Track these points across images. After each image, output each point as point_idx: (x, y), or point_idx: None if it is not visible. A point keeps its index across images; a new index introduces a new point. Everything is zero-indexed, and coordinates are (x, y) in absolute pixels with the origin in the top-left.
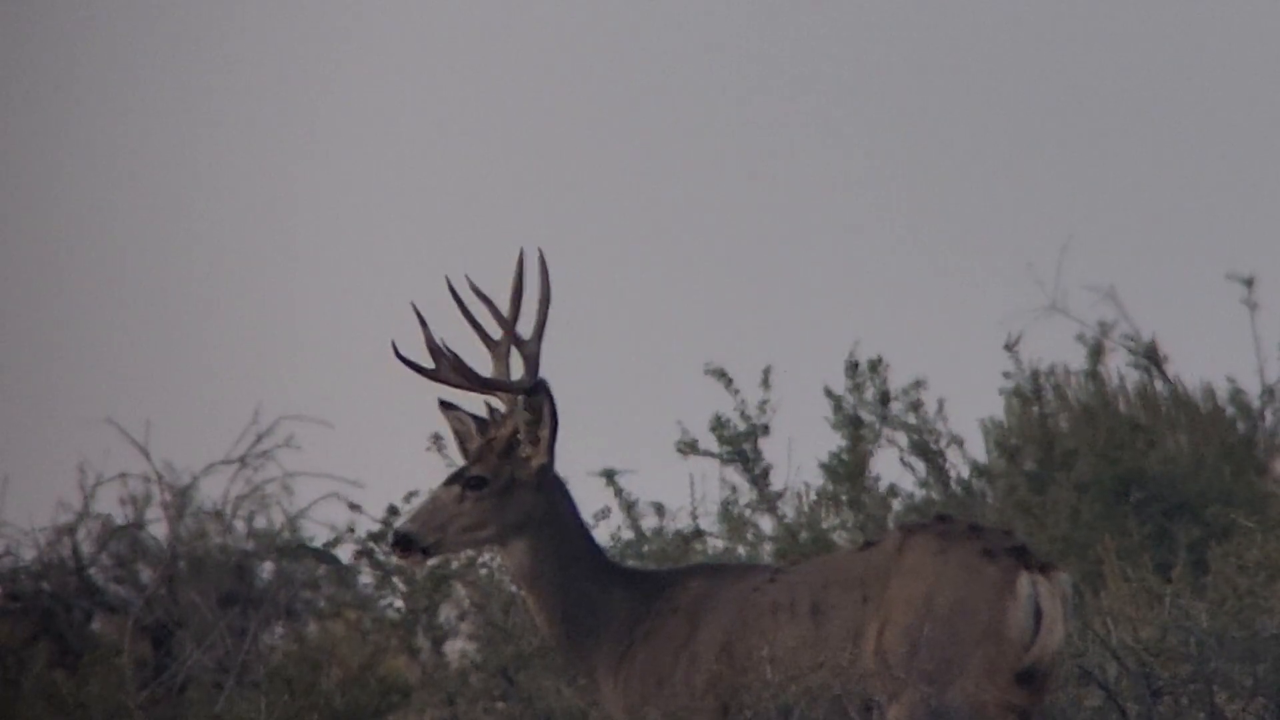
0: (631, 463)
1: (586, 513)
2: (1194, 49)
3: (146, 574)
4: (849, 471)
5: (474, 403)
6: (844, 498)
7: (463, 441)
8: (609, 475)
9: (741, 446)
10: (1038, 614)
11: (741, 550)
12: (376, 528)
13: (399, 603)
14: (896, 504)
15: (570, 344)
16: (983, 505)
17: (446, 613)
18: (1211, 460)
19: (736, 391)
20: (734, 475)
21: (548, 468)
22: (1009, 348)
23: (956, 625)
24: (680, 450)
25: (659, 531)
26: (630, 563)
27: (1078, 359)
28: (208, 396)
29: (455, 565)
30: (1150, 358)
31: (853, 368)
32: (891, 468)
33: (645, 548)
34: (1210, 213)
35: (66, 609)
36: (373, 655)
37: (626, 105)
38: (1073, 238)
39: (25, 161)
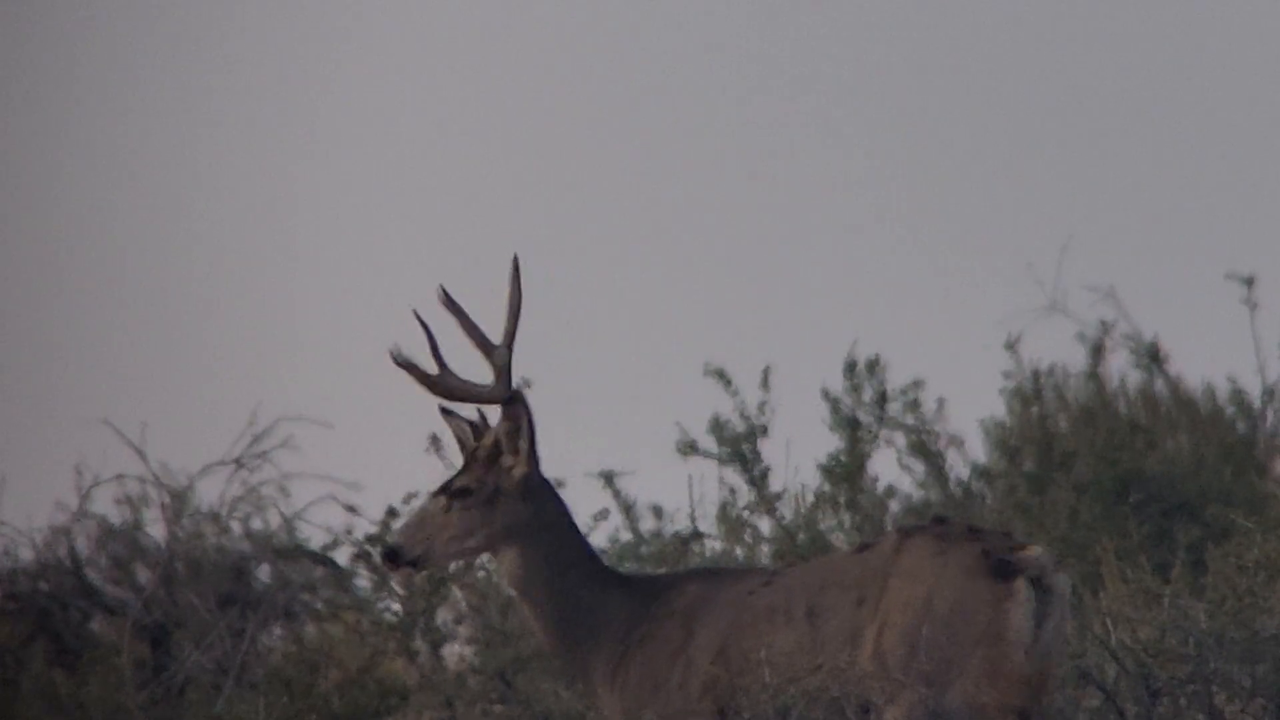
0: (631, 463)
1: (584, 514)
2: (1194, 49)
3: (144, 575)
4: (847, 473)
5: (473, 410)
6: (842, 499)
7: (463, 448)
8: (607, 477)
9: (740, 447)
10: (1038, 615)
11: (739, 552)
12: (374, 530)
13: (397, 605)
14: (894, 505)
15: (571, 344)
16: (982, 506)
17: (444, 616)
18: (1211, 460)
19: (736, 392)
20: (732, 476)
21: (531, 476)
22: (1009, 347)
23: (956, 627)
24: (680, 451)
25: (657, 534)
26: (628, 565)
27: (1078, 359)
28: (205, 397)
29: (453, 569)
30: (1150, 358)
31: (850, 368)
32: (890, 469)
33: (643, 549)
34: (1210, 213)
35: (64, 609)
36: (371, 657)
37: (626, 105)
38: (1073, 238)
39: (25, 161)
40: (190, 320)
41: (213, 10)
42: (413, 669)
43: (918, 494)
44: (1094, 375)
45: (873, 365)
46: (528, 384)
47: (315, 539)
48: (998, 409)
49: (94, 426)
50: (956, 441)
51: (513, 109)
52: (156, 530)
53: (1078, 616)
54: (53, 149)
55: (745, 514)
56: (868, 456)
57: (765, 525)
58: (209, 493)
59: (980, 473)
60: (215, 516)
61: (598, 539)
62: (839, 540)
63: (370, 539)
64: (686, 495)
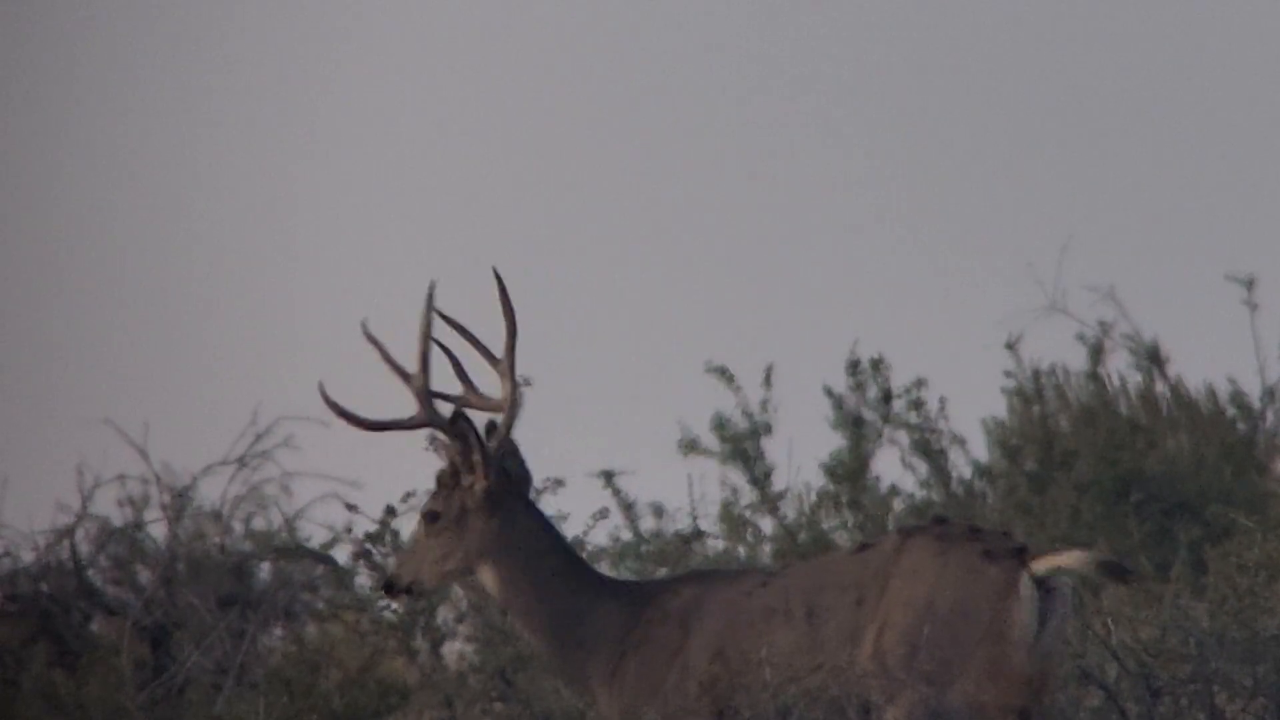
0: (631, 463)
1: (584, 513)
2: (1194, 49)
3: (145, 575)
4: (849, 472)
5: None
6: (844, 499)
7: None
8: (608, 476)
9: (743, 446)
10: (1040, 614)
11: (741, 551)
12: (374, 528)
13: (397, 604)
14: (897, 504)
15: (571, 343)
16: (983, 505)
17: (444, 614)
18: (1212, 460)
19: (738, 389)
20: (734, 475)
21: (493, 491)
22: (1009, 347)
23: (958, 626)
24: (682, 449)
25: (658, 533)
26: (629, 564)
27: (1078, 359)
28: (206, 397)
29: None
30: (1151, 358)
31: (854, 367)
32: (892, 468)
33: (644, 548)
34: (1210, 213)
35: (65, 610)
36: (371, 657)
37: (627, 105)
38: (1073, 238)
39: (25, 161)
40: (191, 320)
41: (213, 10)
42: (413, 668)
43: (920, 493)
44: (1094, 375)
45: (876, 364)
46: (528, 383)
47: (316, 538)
48: (999, 409)
49: (95, 426)
50: (958, 441)
51: (513, 109)
52: (158, 530)
53: (1079, 616)
54: (53, 149)
55: (747, 513)
56: (871, 456)
57: (767, 524)
58: (210, 492)
59: (982, 472)
60: (217, 516)
61: (598, 538)
62: (842, 539)
63: (371, 537)
64: (687, 494)
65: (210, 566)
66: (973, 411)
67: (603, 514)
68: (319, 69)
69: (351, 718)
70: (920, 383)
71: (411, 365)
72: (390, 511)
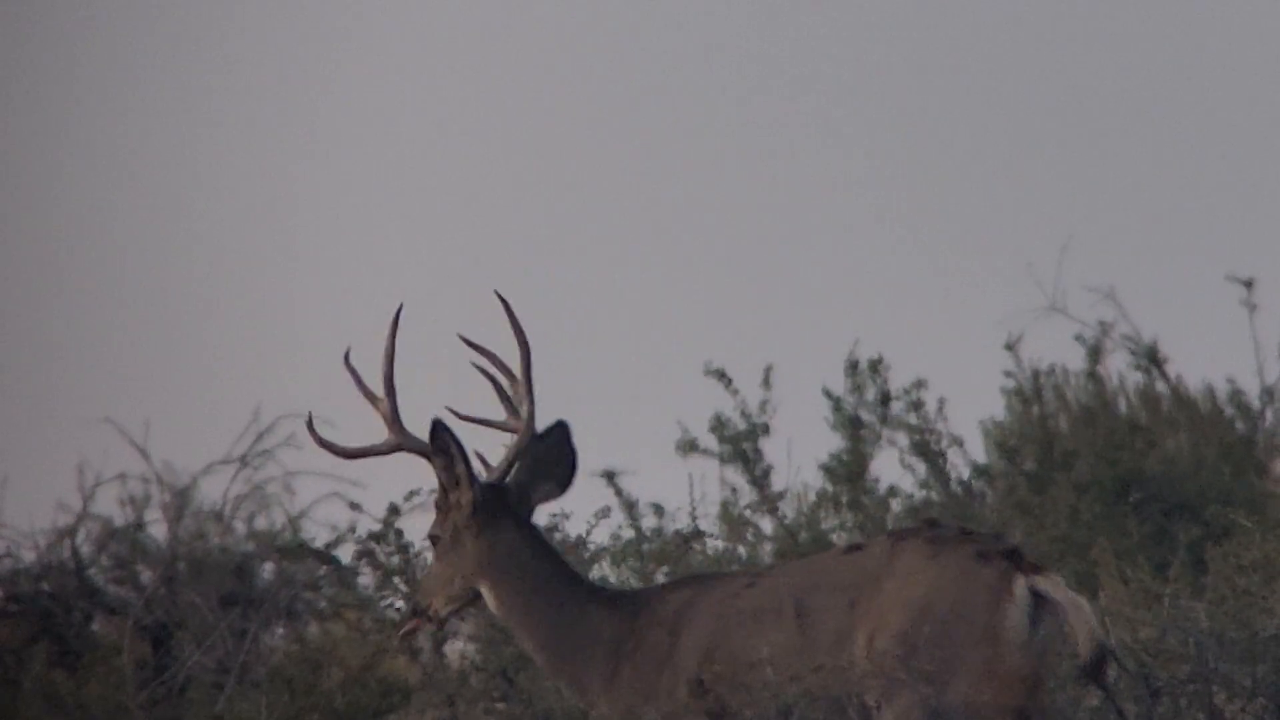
0: (632, 463)
1: (586, 513)
2: (1194, 49)
3: (146, 575)
4: (849, 472)
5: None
6: (844, 499)
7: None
8: (609, 475)
9: (742, 446)
10: (1034, 615)
11: (742, 551)
12: (377, 528)
13: (400, 603)
14: (896, 504)
15: (571, 343)
16: (982, 505)
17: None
18: (1211, 460)
19: (736, 391)
20: (734, 475)
21: (479, 504)
22: (1009, 347)
23: (953, 628)
24: (681, 450)
25: (659, 532)
26: (630, 563)
27: (1077, 359)
28: (207, 396)
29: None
30: (1150, 358)
31: (853, 368)
32: (891, 468)
33: (645, 547)
34: (1210, 213)
35: (66, 610)
36: (373, 656)
37: (627, 105)
38: (1073, 238)
39: (25, 161)
40: (192, 319)
41: (213, 10)
42: (415, 667)
43: (919, 494)
44: (1094, 375)
45: (875, 365)
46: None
47: (318, 537)
48: (998, 409)
49: (96, 426)
50: (957, 441)
51: (513, 109)
52: (159, 530)
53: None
54: (53, 149)
55: (747, 513)
56: (870, 456)
57: (767, 524)
58: (212, 491)
59: (981, 472)
60: (218, 515)
61: (599, 537)
62: (841, 539)
63: (373, 536)
64: (688, 494)
65: (212, 566)
66: (972, 412)
67: (604, 513)
68: (319, 69)
69: (353, 717)
70: (919, 383)
71: (384, 390)
72: (393, 510)
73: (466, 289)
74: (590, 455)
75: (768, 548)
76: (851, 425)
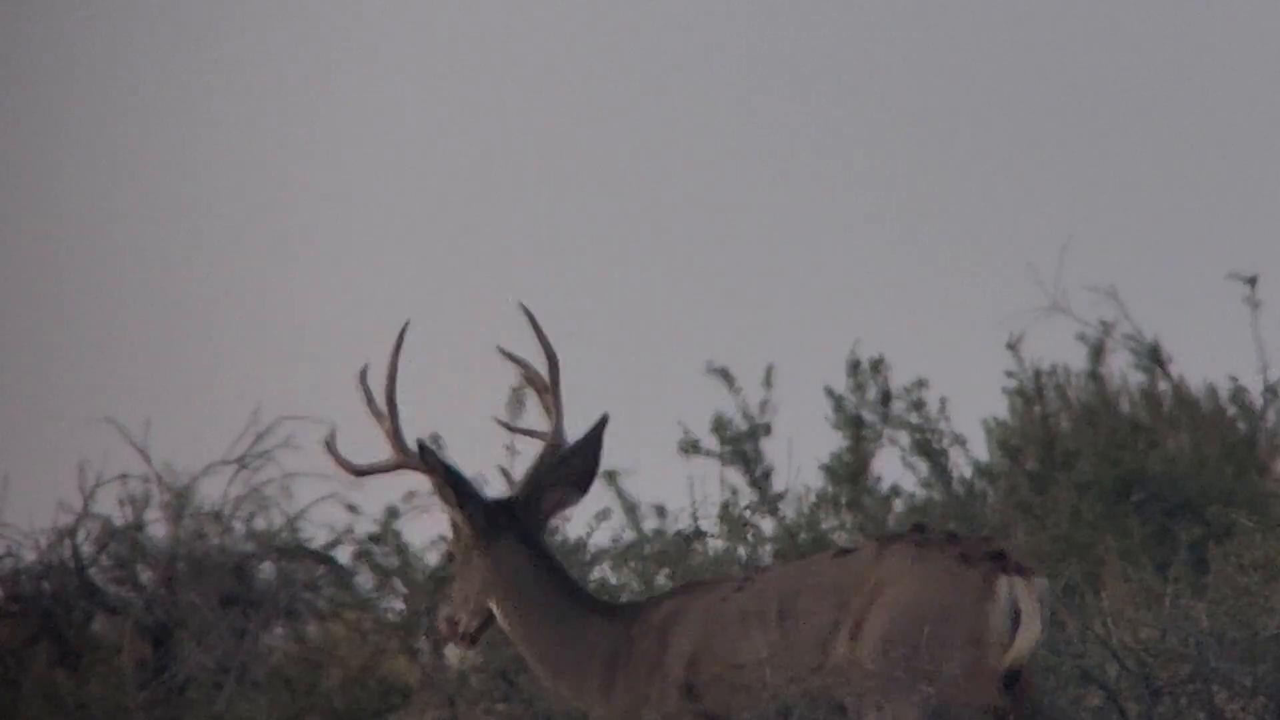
0: (632, 463)
1: (586, 514)
2: (1194, 49)
3: (146, 575)
4: (850, 472)
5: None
6: (844, 499)
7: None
8: (610, 476)
9: (743, 446)
10: (1015, 616)
11: (742, 551)
12: (375, 529)
13: (399, 604)
14: (898, 504)
15: (571, 343)
16: (984, 505)
17: (446, 614)
18: (1213, 460)
19: (738, 391)
20: (734, 476)
21: (479, 524)
22: (1010, 347)
23: (938, 630)
24: (682, 450)
25: (660, 532)
26: (631, 564)
27: (1079, 359)
28: (207, 397)
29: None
30: (1152, 357)
31: (854, 367)
32: (893, 468)
33: (646, 548)
34: (1210, 212)
35: (67, 610)
36: (373, 656)
37: (627, 105)
38: (1073, 238)
39: (25, 161)
40: (192, 320)
41: (213, 10)
42: (414, 667)
43: (920, 493)
44: (1095, 375)
45: (876, 364)
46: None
47: (317, 538)
48: (1000, 409)
49: (97, 426)
50: (959, 441)
51: (513, 109)
52: (159, 530)
53: (1080, 616)
54: (53, 149)
55: (747, 513)
56: (871, 456)
57: (768, 525)
58: (211, 492)
59: (982, 472)
60: (217, 516)
61: (600, 539)
62: (842, 540)
63: (372, 537)
64: (689, 494)
65: (212, 566)
66: (973, 412)
67: (605, 514)
68: (319, 69)
69: (353, 717)
70: (921, 383)
71: (386, 408)
72: (392, 512)
73: (466, 289)
74: None
75: (768, 549)
76: (853, 425)
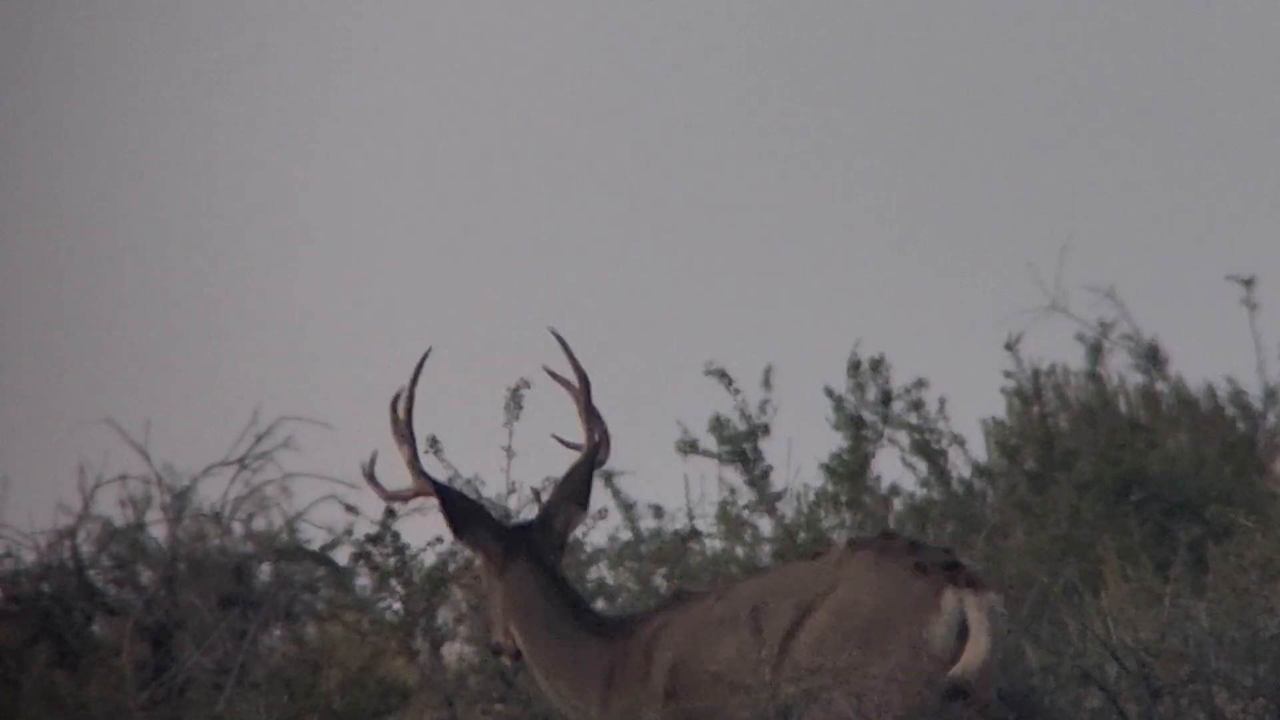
0: (630, 463)
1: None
2: (1194, 49)
3: (146, 576)
4: (850, 472)
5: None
6: (844, 498)
7: None
8: (607, 476)
9: (741, 447)
10: (963, 630)
11: (740, 551)
12: (374, 530)
13: (397, 605)
14: (898, 504)
15: (571, 343)
16: (983, 504)
17: (445, 615)
18: (1212, 460)
19: (737, 391)
20: (732, 476)
21: (488, 548)
22: (1009, 347)
23: (873, 635)
24: (681, 450)
25: (657, 532)
26: (628, 564)
27: (1078, 359)
28: (207, 397)
29: (452, 568)
30: (1151, 358)
31: (854, 367)
32: (893, 468)
33: (643, 548)
34: (1210, 213)
35: (66, 611)
36: (371, 657)
37: (627, 105)
38: (1073, 238)
39: (25, 161)
40: (192, 320)
41: (213, 10)
42: (413, 668)
43: (920, 493)
44: (1094, 375)
45: (877, 364)
46: (527, 385)
47: (316, 539)
48: (999, 408)
49: (97, 426)
50: (958, 441)
51: (513, 109)
52: (159, 531)
53: (1079, 617)
54: (53, 149)
55: (745, 513)
56: (871, 455)
57: (766, 525)
58: (211, 493)
59: (981, 471)
60: (217, 517)
61: (597, 538)
62: (841, 539)
63: (371, 539)
64: (685, 494)
65: (211, 567)
66: (973, 411)
67: (602, 514)
68: (319, 69)
69: (352, 718)
70: (920, 383)
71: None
72: (391, 513)
73: (466, 288)
74: None
75: (767, 548)
76: (853, 425)
